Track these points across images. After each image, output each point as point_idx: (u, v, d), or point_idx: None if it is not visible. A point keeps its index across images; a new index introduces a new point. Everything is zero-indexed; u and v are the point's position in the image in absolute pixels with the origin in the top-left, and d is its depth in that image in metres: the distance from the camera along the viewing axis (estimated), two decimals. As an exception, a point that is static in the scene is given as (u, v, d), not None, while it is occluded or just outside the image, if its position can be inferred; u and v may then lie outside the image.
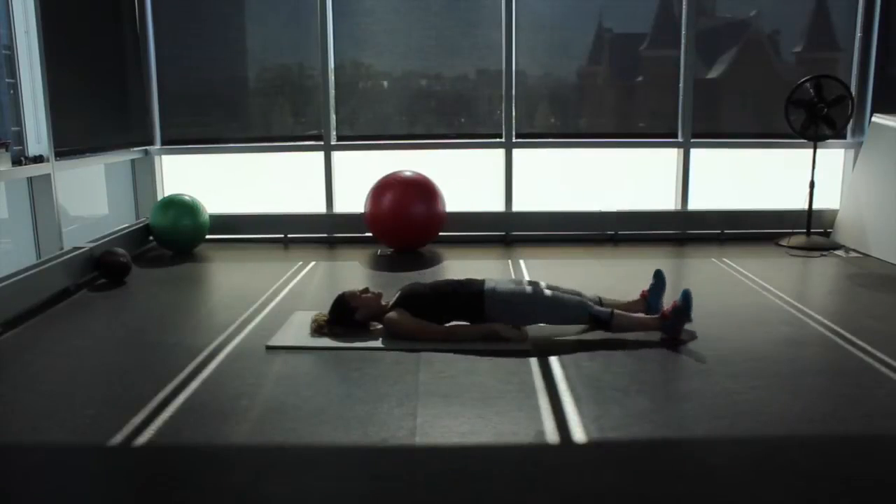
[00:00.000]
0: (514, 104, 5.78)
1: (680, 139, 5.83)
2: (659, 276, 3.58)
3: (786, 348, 3.25)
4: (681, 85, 5.78)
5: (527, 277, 3.43)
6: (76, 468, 2.24)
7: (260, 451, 2.32)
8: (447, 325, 3.35)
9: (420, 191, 5.23)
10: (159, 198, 5.76)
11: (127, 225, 5.38)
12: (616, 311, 3.33)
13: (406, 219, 5.20)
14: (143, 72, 5.70)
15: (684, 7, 5.69)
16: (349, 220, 5.77)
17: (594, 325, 3.33)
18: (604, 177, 6.02)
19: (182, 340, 3.39)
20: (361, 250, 5.48)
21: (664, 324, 3.30)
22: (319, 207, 5.91)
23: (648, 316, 3.41)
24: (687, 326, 3.31)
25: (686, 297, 3.28)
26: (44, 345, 3.39)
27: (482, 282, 3.40)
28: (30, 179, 4.32)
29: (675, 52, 5.78)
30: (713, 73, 5.92)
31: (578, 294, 3.42)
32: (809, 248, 5.35)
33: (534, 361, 3.09)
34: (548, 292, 3.36)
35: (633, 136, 5.95)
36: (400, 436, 2.39)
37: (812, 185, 5.48)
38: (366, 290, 3.45)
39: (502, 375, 2.92)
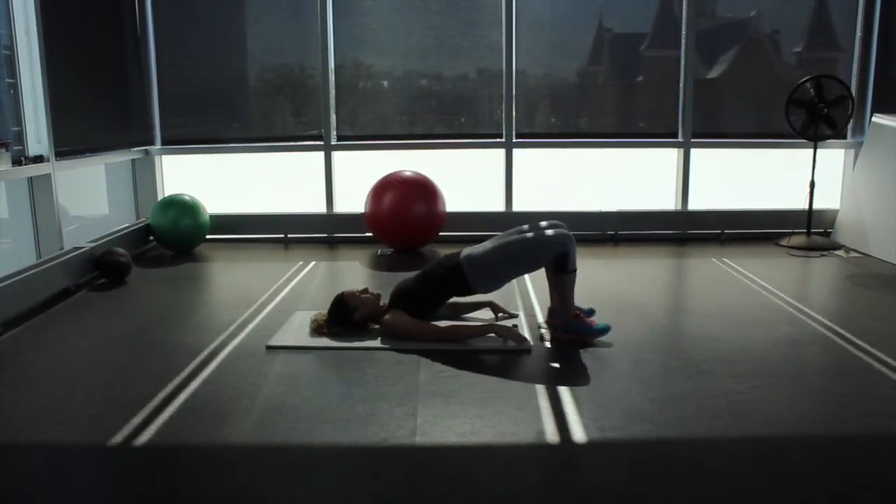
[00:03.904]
0: (514, 104, 5.78)
1: (680, 139, 5.83)
2: (591, 311, 3.57)
3: (786, 348, 3.25)
4: (681, 85, 5.78)
5: (526, 226, 3.41)
6: (76, 468, 2.24)
7: (260, 451, 2.32)
8: (445, 324, 3.36)
9: (420, 191, 5.23)
10: (159, 198, 5.76)
11: (127, 225, 5.38)
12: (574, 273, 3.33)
13: (406, 219, 5.20)
14: (144, 71, 5.70)
15: (684, 7, 5.69)
16: (349, 220, 5.78)
17: (556, 263, 3.27)
18: (604, 177, 6.02)
19: (182, 340, 3.39)
20: (362, 250, 5.49)
21: (570, 321, 3.30)
22: (320, 207, 5.92)
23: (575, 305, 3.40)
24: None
25: (602, 330, 3.31)
26: (44, 345, 3.39)
27: (458, 253, 3.40)
28: (30, 179, 4.33)
29: (675, 52, 5.78)
30: (713, 73, 5.92)
31: (560, 225, 3.39)
32: (809, 248, 5.35)
33: (534, 361, 3.09)
34: (549, 232, 3.30)
35: (633, 135, 5.96)
36: (400, 435, 2.39)
37: (812, 185, 5.48)
38: (365, 291, 3.45)
39: (502, 375, 2.92)
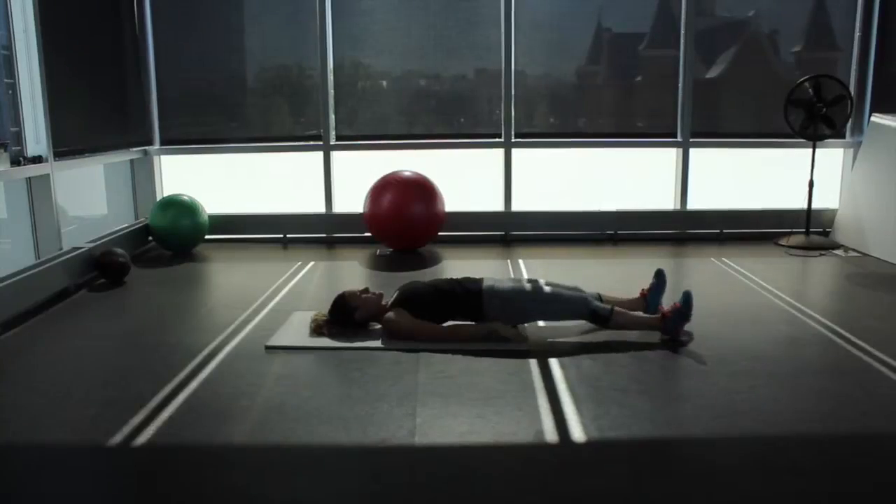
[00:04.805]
0: (513, 104, 5.78)
1: (679, 139, 5.83)
2: (660, 276, 3.58)
3: (785, 348, 3.25)
4: (680, 84, 5.78)
5: (526, 276, 3.43)
6: (76, 468, 2.24)
7: (259, 451, 2.32)
8: (446, 324, 3.35)
9: (419, 190, 5.23)
10: (158, 198, 5.75)
11: (126, 225, 5.38)
12: (616, 308, 3.34)
13: (405, 219, 5.20)
14: (142, 72, 5.70)
15: (683, 7, 5.68)
16: (348, 220, 5.77)
17: (593, 321, 3.34)
18: (603, 176, 6.02)
19: (181, 340, 3.39)
20: (360, 250, 5.48)
21: (664, 324, 3.30)
22: (318, 207, 5.91)
23: (648, 315, 3.42)
24: (685, 327, 3.32)
25: (687, 298, 3.29)
26: (43, 345, 3.38)
27: (480, 280, 3.42)
28: (29, 180, 4.32)
29: (674, 52, 5.78)
30: (712, 73, 5.92)
31: (578, 290, 3.43)
32: (808, 248, 5.35)
33: (533, 361, 3.09)
34: (547, 289, 3.37)
35: (632, 135, 5.95)
36: (399, 436, 2.39)
37: (811, 184, 5.48)
38: (366, 291, 3.45)
39: (502, 375, 2.92)
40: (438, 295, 3.37)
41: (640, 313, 3.45)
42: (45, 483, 2.15)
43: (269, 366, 3.05)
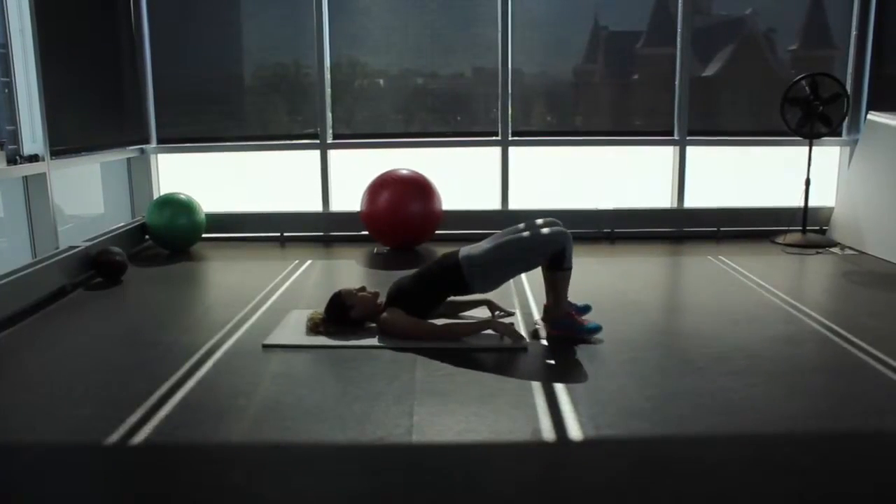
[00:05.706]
0: (510, 102, 5.78)
1: (676, 137, 5.84)
2: (585, 309, 3.55)
3: (782, 346, 3.25)
4: (677, 83, 5.79)
5: (523, 225, 3.39)
6: (73, 467, 2.24)
7: (257, 450, 2.31)
8: (442, 322, 3.36)
9: (416, 189, 5.23)
10: (155, 196, 5.75)
11: (123, 224, 5.37)
12: (569, 272, 3.34)
13: (402, 217, 5.20)
14: (139, 70, 5.69)
15: (680, 5, 5.69)
16: (345, 219, 5.77)
17: (553, 261, 3.29)
18: (600, 175, 6.02)
19: (178, 339, 3.39)
20: (358, 249, 5.48)
21: (561, 317, 3.33)
22: (316, 206, 5.91)
23: (567, 301, 3.41)
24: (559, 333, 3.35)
25: (592, 329, 3.32)
26: (40, 344, 3.38)
27: (456, 252, 3.40)
28: (25, 178, 4.31)
29: (671, 50, 5.78)
30: (709, 71, 5.92)
31: (555, 222, 3.39)
32: (805, 246, 5.36)
33: (530, 359, 3.10)
34: (545, 230, 3.32)
35: (629, 133, 5.96)
36: (397, 434, 2.39)
37: (808, 182, 5.49)
38: (362, 289, 3.45)
39: (499, 373, 2.92)
40: (423, 282, 3.37)
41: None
42: (42, 482, 2.14)
43: (266, 364, 3.05)
